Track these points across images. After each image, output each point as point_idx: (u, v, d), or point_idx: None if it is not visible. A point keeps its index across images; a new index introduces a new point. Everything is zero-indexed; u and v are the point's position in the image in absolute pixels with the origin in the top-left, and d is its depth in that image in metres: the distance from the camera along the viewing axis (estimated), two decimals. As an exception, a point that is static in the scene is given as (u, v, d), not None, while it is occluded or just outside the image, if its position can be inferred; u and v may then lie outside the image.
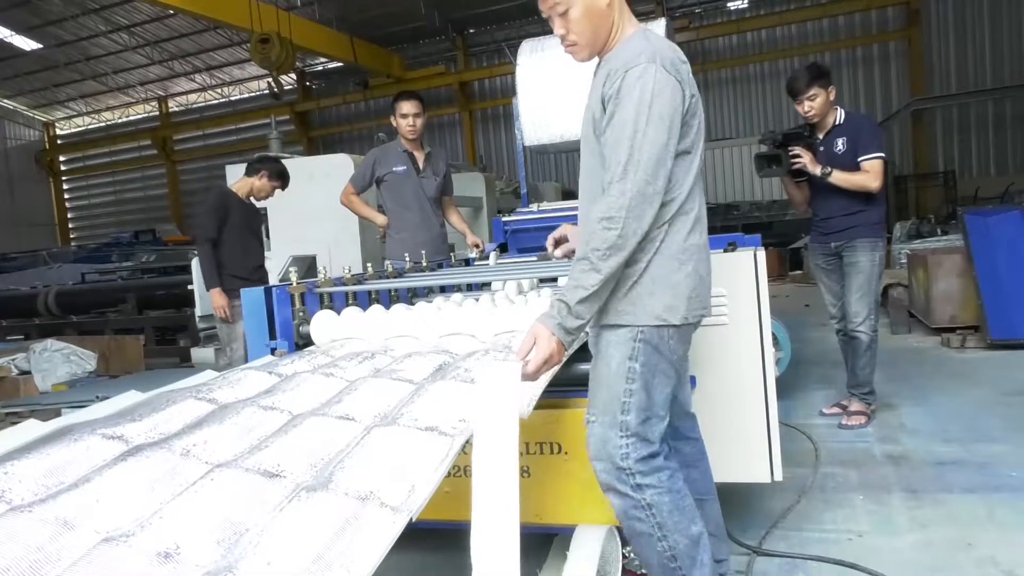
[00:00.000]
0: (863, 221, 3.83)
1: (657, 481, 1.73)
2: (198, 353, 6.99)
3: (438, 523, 1.50)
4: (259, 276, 4.57)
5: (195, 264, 6.00)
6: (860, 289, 3.85)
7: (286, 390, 1.87)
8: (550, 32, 1.86)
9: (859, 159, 3.77)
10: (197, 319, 6.80)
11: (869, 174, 3.75)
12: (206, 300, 5.33)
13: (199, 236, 4.52)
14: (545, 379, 1.75)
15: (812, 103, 3.81)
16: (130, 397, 1.92)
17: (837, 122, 3.88)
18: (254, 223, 4.68)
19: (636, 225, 1.62)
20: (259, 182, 4.53)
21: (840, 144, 3.83)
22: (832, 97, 3.85)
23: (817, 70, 3.86)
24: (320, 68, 19.88)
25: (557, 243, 2.09)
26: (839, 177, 3.77)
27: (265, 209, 6.41)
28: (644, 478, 1.72)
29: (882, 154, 3.77)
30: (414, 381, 1.87)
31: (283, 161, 6.76)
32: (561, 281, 2.99)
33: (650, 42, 1.72)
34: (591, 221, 1.65)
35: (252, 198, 4.63)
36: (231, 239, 4.40)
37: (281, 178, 4.58)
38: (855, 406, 3.99)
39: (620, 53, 1.73)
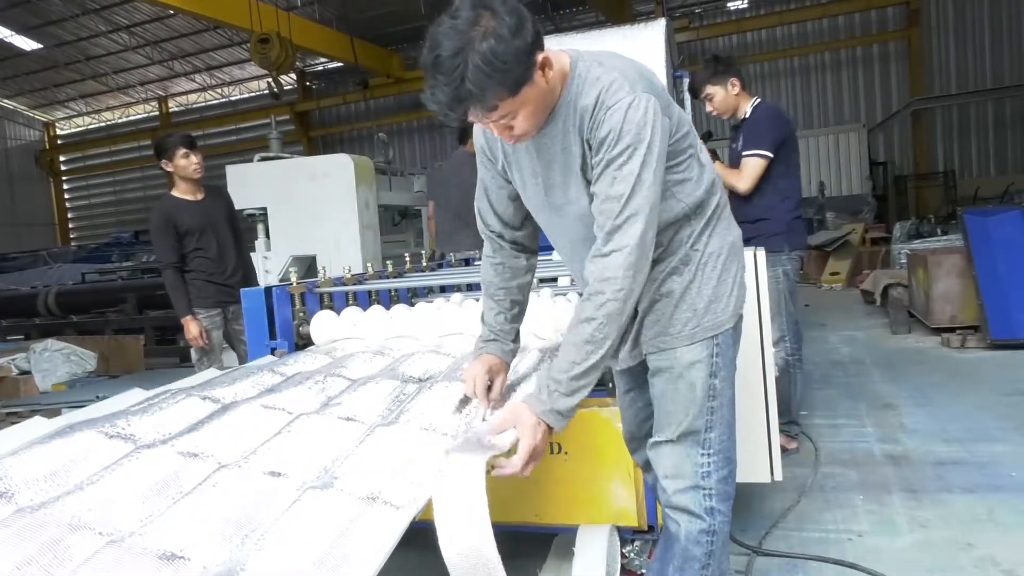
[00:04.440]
0: (763, 231, 3.36)
1: (727, 509, 1.67)
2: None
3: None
4: (240, 278, 4.04)
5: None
6: (768, 311, 3.48)
7: (216, 426, 1.63)
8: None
9: (741, 153, 3.45)
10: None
11: (740, 173, 3.41)
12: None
13: (160, 264, 4.09)
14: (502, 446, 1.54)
15: (711, 103, 3.53)
16: (34, 426, 1.62)
17: (745, 115, 3.54)
18: (214, 217, 4.01)
19: (634, 283, 1.46)
20: (180, 162, 3.86)
21: (742, 139, 3.52)
22: (735, 90, 3.50)
23: (712, 67, 3.54)
24: (320, 68, 19.88)
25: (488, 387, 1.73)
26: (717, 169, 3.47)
27: (265, 209, 6.42)
28: (720, 503, 1.65)
29: (763, 152, 3.39)
30: (364, 422, 1.68)
31: (283, 159, 6.76)
32: (562, 281, 2.99)
33: (604, 65, 1.51)
34: (588, 282, 1.50)
35: (193, 190, 3.96)
36: (195, 246, 3.91)
37: (180, 144, 3.88)
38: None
39: (585, 91, 1.50)
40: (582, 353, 1.47)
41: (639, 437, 1.86)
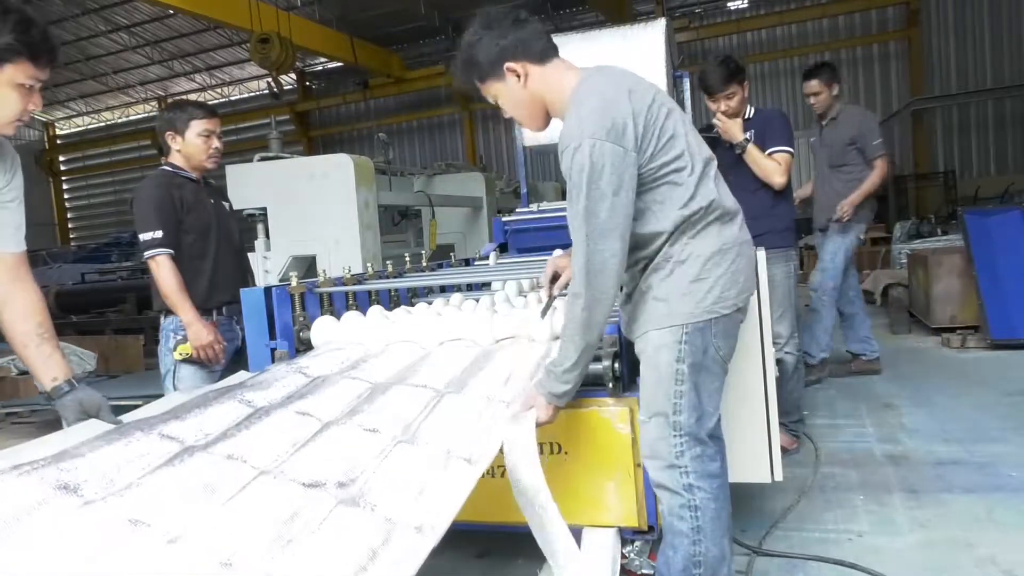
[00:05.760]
0: (771, 228, 3.40)
1: (709, 486, 1.78)
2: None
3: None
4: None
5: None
6: (780, 307, 3.36)
7: (253, 431, 1.58)
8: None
9: (766, 151, 3.50)
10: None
11: (780, 166, 3.47)
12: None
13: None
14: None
15: (729, 102, 3.51)
16: (88, 429, 1.59)
17: (746, 117, 3.61)
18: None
19: (596, 294, 1.70)
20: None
21: (750, 139, 3.56)
22: (745, 93, 3.56)
23: (735, 65, 3.56)
24: (320, 68, 19.86)
25: (554, 278, 2.14)
26: (752, 152, 3.48)
27: (265, 209, 6.41)
28: (699, 480, 1.77)
29: (790, 149, 3.51)
30: (377, 430, 1.70)
31: (283, 159, 6.73)
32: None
33: (581, 101, 1.71)
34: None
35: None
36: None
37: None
38: (781, 438, 3.33)
39: (563, 124, 1.76)
40: (568, 351, 1.81)
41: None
